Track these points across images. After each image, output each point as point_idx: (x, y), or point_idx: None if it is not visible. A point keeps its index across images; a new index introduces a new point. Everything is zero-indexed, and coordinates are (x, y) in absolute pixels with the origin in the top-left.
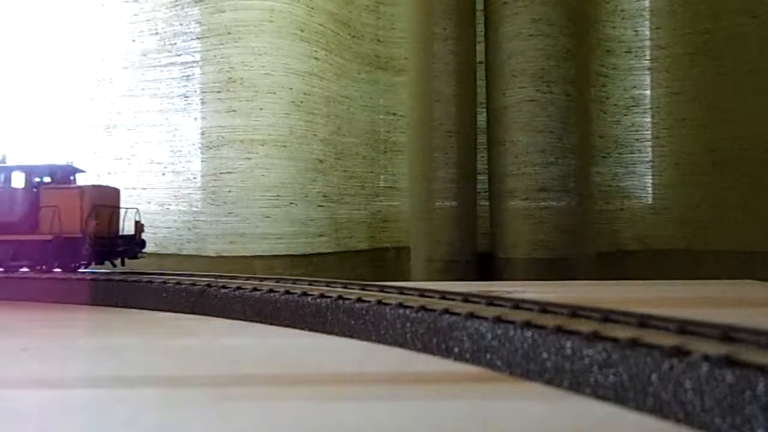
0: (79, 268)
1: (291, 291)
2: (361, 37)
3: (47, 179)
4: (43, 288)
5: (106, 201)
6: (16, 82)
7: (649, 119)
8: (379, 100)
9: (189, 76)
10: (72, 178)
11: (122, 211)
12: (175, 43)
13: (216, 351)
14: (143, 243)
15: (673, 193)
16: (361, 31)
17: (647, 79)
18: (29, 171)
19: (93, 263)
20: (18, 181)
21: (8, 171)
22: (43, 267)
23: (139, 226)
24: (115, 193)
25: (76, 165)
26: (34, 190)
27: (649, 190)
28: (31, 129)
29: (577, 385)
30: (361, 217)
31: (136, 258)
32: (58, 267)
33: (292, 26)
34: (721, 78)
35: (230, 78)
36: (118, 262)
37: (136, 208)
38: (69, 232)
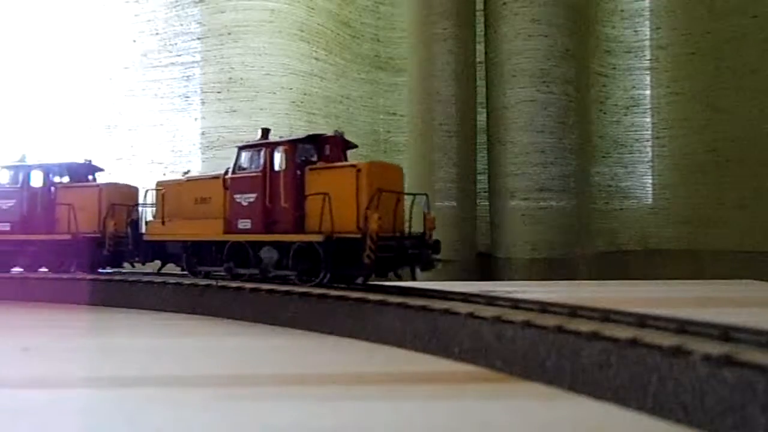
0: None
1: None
2: (361, 37)
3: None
4: (43, 288)
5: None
6: (17, 82)
7: (649, 119)
8: (379, 100)
9: (189, 76)
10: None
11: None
12: (176, 44)
13: (216, 351)
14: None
15: (673, 193)
16: (361, 31)
17: (647, 79)
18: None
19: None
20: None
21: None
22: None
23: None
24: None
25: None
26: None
27: (649, 190)
28: (31, 129)
29: (578, 385)
30: None
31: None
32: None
33: (293, 27)
34: (721, 78)
35: (230, 78)
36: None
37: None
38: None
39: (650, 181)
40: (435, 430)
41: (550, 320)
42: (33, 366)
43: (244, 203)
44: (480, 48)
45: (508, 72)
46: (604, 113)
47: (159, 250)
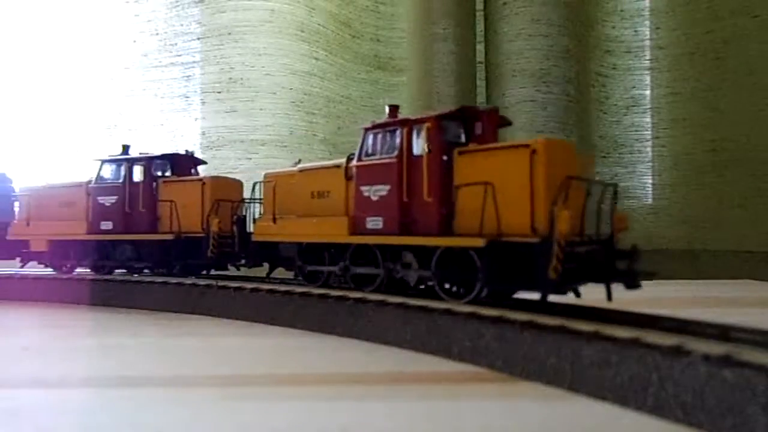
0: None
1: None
2: (361, 37)
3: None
4: (43, 288)
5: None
6: (17, 82)
7: (649, 119)
8: (379, 100)
9: (189, 76)
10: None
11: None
12: (176, 44)
13: (216, 351)
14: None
15: (673, 193)
16: (361, 31)
17: (647, 79)
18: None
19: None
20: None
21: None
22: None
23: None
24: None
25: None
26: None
27: (649, 190)
28: (31, 129)
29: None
30: None
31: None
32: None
33: (293, 27)
34: (721, 78)
35: (230, 78)
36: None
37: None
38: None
39: (650, 181)
40: (435, 430)
41: (549, 320)
42: (33, 366)
43: (374, 197)
44: (480, 48)
45: (508, 72)
46: (604, 113)
47: (269, 252)
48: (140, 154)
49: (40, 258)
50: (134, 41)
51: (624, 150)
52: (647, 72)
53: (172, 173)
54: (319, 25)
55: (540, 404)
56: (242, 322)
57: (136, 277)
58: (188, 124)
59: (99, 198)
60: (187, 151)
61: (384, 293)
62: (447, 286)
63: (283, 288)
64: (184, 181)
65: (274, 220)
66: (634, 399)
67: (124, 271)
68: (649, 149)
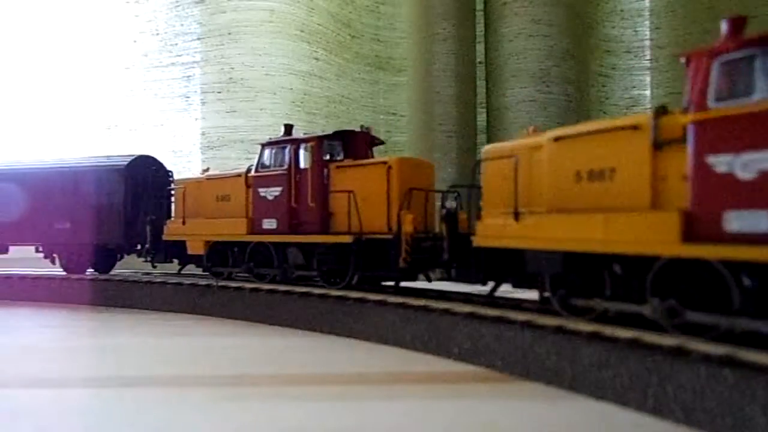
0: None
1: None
2: (361, 37)
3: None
4: (43, 288)
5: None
6: (18, 82)
7: None
8: (379, 100)
9: (190, 76)
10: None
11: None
12: (176, 44)
13: (216, 351)
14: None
15: None
16: (361, 31)
17: (647, 79)
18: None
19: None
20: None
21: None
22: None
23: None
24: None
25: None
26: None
27: None
28: (31, 129)
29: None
30: None
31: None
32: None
33: (293, 27)
34: None
35: (231, 78)
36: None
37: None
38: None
39: None
40: (435, 430)
41: (548, 320)
42: (33, 366)
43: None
44: (480, 48)
45: (508, 72)
46: (604, 113)
47: (507, 265)
48: (305, 134)
49: (198, 262)
50: (135, 41)
51: None
52: (647, 72)
53: (345, 156)
54: (319, 25)
55: (540, 404)
56: (242, 322)
57: (136, 277)
58: (188, 124)
59: (260, 190)
60: (362, 126)
61: (385, 293)
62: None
63: (283, 288)
64: (363, 165)
65: (517, 216)
66: (634, 399)
67: (289, 279)
68: None
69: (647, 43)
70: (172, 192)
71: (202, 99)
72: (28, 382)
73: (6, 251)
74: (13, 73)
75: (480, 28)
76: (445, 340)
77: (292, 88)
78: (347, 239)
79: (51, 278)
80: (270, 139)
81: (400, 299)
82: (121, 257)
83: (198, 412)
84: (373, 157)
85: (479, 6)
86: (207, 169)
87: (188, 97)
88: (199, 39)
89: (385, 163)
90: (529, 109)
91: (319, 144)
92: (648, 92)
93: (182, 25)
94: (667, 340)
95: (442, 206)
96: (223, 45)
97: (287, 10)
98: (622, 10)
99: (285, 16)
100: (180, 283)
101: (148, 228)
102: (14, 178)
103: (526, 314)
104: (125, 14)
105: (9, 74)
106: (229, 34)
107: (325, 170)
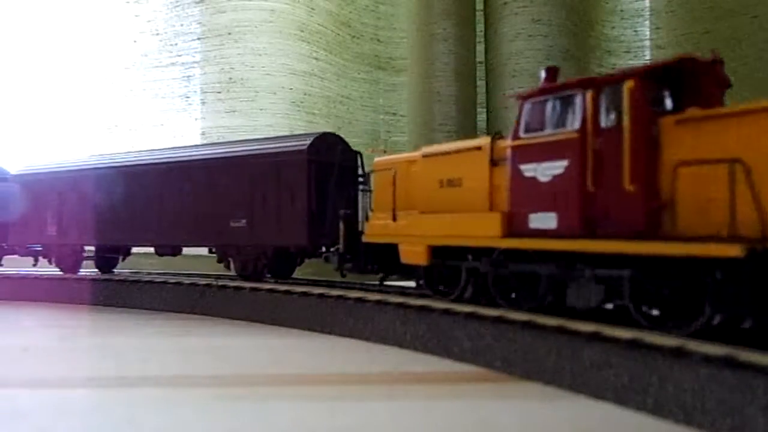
0: None
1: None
2: (361, 37)
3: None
4: (43, 288)
5: None
6: (18, 82)
7: None
8: (379, 100)
9: (189, 76)
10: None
11: None
12: (176, 44)
13: (216, 351)
14: None
15: None
16: (361, 31)
17: None
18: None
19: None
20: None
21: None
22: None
23: None
24: None
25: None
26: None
27: None
28: (32, 129)
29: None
30: None
31: None
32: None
33: (293, 27)
34: None
35: (231, 78)
36: None
37: None
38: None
39: None
40: (435, 430)
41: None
42: (33, 366)
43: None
44: (480, 48)
45: (508, 72)
46: None
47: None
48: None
49: (413, 274)
50: (135, 41)
51: None
52: None
53: (678, 105)
54: (319, 25)
55: (540, 404)
56: (242, 322)
57: (136, 276)
58: (188, 124)
59: (524, 167)
60: (713, 53)
61: (400, 294)
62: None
63: (283, 288)
64: (750, 112)
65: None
66: (634, 399)
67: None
68: None
69: (647, 43)
70: (363, 179)
71: (202, 99)
72: (28, 382)
73: (179, 252)
74: (13, 73)
75: (480, 28)
76: (445, 340)
77: (292, 88)
78: (731, 251)
79: (51, 278)
80: (539, 85)
81: (400, 299)
82: (301, 262)
83: (198, 412)
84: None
85: (479, 6)
86: (383, 150)
87: (188, 97)
88: (199, 39)
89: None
90: None
91: (645, 84)
92: None
93: (182, 25)
94: (668, 341)
95: None
96: (223, 45)
97: (287, 10)
98: (622, 10)
99: (285, 16)
100: (180, 283)
101: (341, 226)
102: (176, 169)
103: (526, 314)
104: (125, 14)
105: (9, 74)
106: (229, 34)
107: (654, 128)
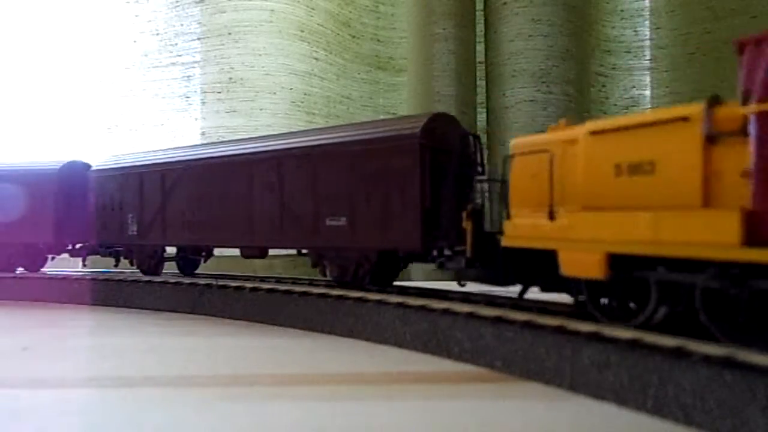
0: None
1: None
2: (361, 37)
3: None
4: (43, 288)
5: None
6: (18, 82)
7: None
8: (379, 100)
9: (189, 76)
10: None
11: None
12: (176, 44)
13: (216, 351)
14: None
15: None
16: (361, 31)
17: (647, 79)
18: None
19: None
20: None
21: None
22: None
23: None
24: None
25: None
26: None
27: None
28: (31, 129)
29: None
30: None
31: None
32: None
33: (293, 27)
34: (721, 78)
35: (231, 78)
36: None
37: None
38: None
39: None
40: (435, 430)
41: (549, 320)
42: (33, 366)
43: None
44: (480, 48)
45: (508, 72)
46: (604, 113)
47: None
48: None
49: (572, 289)
50: (134, 41)
51: None
52: (647, 72)
53: None
54: (319, 25)
55: (540, 404)
56: (242, 322)
57: (136, 277)
58: (188, 124)
59: None
60: None
61: (385, 293)
62: None
63: (283, 288)
64: None
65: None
66: (634, 399)
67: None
68: None
69: (647, 43)
70: (481, 168)
71: (202, 99)
72: (28, 382)
73: (266, 254)
74: (12, 73)
75: (480, 28)
76: (445, 340)
77: (292, 88)
78: None
79: (51, 278)
80: None
81: (400, 299)
82: (405, 266)
83: (198, 412)
84: None
85: (479, 6)
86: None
87: (188, 97)
88: (199, 39)
89: None
90: (529, 109)
91: None
92: (648, 92)
93: (182, 25)
94: (668, 341)
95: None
96: (223, 45)
97: (287, 10)
98: (622, 10)
99: (285, 16)
100: (180, 283)
101: (467, 225)
102: (262, 160)
103: (526, 314)
104: (125, 14)
105: (9, 74)
106: (229, 34)
107: None
